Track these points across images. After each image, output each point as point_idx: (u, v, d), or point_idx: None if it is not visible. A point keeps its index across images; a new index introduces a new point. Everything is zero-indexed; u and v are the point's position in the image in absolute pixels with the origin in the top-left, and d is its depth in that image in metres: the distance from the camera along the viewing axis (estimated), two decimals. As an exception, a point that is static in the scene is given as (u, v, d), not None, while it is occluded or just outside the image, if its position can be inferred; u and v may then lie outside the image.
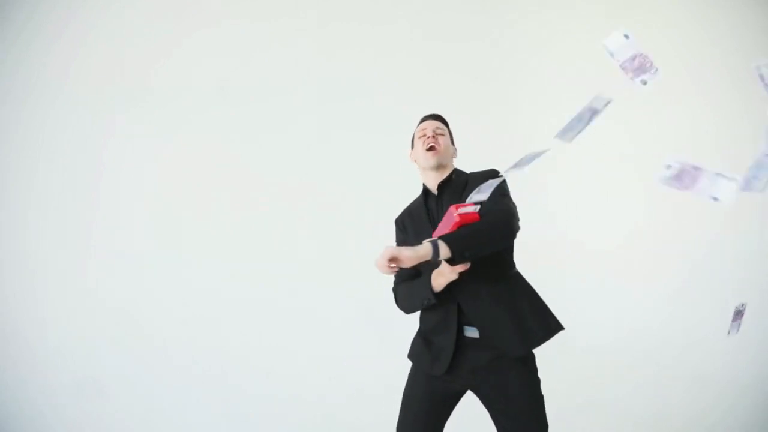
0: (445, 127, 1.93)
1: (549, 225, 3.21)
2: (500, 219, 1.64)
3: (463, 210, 1.55)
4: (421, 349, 1.83)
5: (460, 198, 1.74)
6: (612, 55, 1.14)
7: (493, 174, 1.76)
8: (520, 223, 1.70)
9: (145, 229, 3.51)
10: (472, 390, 1.79)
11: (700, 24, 3.49)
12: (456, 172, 1.88)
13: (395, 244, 1.93)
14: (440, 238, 1.55)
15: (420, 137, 1.87)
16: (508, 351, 1.68)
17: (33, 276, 3.47)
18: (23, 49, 3.57)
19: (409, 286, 1.83)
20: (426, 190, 1.89)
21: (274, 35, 3.58)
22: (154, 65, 3.59)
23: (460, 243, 1.54)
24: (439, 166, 1.83)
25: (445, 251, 1.53)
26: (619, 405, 3.15)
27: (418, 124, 1.95)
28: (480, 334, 1.70)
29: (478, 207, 1.57)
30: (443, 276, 1.67)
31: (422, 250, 1.53)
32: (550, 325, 1.75)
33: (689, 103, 3.39)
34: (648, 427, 3.11)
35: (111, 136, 3.57)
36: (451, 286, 1.69)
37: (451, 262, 1.57)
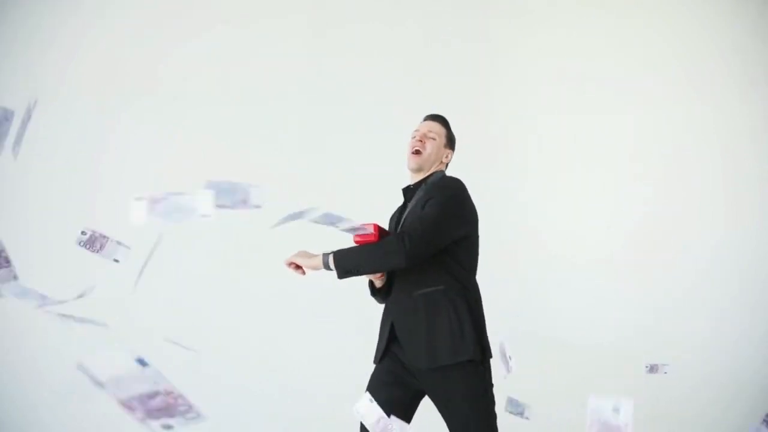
0: (442, 130, 1.92)
1: (548, 226, 3.21)
2: (388, 244, 1.67)
3: (360, 233, 1.66)
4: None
5: (412, 201, 1.84)
6: None
7: (445, 184, 1.82)
8: (455, 233, 1.74)
9: (142, 226, 3.49)
10: (425, 390, 1.80)
11: (687, 21, 3.50)
12: (434, 176, 1.88)
13: None
14: (333, 252, 1.68)
15: (412, 137, 1.90)
16: (413, 361, 1.72)
17: (32, 275, 3.46)
18: (23, 49, 3.56)
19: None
20: (405, 193, 1.93)
21: (270, 37, 3.58)
22: (153, 64, 3.58)
23: (345, 261, 1.66)
24: (418, 170, 1.87)
25: (332, 265, 1.67)
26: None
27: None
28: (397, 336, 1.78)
29: (370, 230, 1.68)
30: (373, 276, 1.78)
31: (315, 260, 1.70)
32: (460, 350, 1.66)
33: (688, 102, 3.40)
34: (646, 426, 3.11)
35: (111, 134, 3.57)
36: (393, 285, 1.80)
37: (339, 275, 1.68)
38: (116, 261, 1.41)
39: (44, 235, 3.48)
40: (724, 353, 3.13)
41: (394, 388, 1.76)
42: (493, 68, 3.51)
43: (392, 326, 1.78)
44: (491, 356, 1.76)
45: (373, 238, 1.67)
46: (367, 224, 1.67)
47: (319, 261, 1.69)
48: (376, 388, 1.75)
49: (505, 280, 3.06)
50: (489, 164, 3.22)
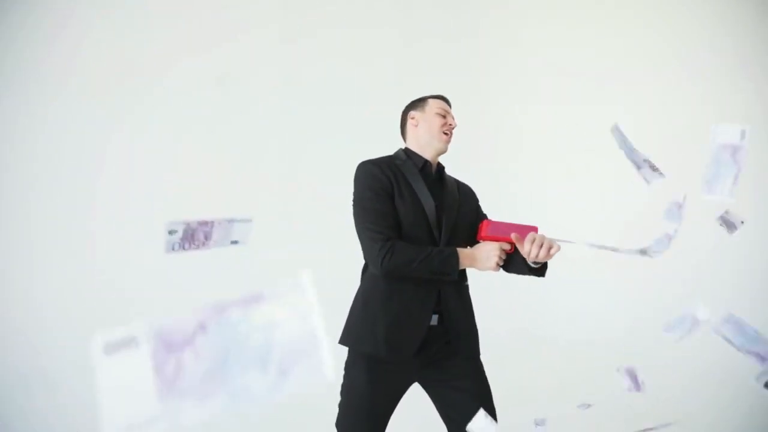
0: None
1: (541, 222, 3.20)
2: None
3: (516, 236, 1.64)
4: (381, 332, 1.67)
5: (458, 195, 1.84)
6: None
7: (473, 193, 1.92)
8: None
9: (135, 223, 3.51)
10: (420, 381, 1.75)
11: (679, 11, 3.49)
12: (445, 171, 1.90)
13: (361, 186, 1.73)
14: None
15: (439, 114, 1.84)
16: (462, 348, 1.73)
17: (32, 273, 3.49)
18: (23, 48, 3.57)
19: (421, 250, 1.65)
20: (425, 162, 1.82)
21: (265, 39, 3.59)
22: (151, 64, 3.59)
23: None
24: (443, 154, 1.86)
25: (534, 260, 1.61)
26: (615, 404, 3.14)
27: (436, 98, 1.89)
28: (444, 323, 1.71)
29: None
30: (480, 262, 1.68)
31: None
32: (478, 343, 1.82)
33: (683, 94, 3.38)
34: (643, 425, 3.10)
35: (112, 133, 3.58)
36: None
37: (529, 270, 1.67)
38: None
39: (45, 235, 3.50)
40: (723, 351, 3.11)
41: (387, 383, 1.71)
42: (482, 63, 3.51)
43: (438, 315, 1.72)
44: None
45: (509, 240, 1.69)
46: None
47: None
48: (374, 386, 1.68)
49: (497, 276, 3.06)
50: (481, 159, 3.22)
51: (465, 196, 1.87)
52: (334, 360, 0.73)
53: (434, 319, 1.70)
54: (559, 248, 1.59)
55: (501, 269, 1.73)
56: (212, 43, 3.60)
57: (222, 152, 3.54)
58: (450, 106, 1.91)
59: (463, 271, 1.75)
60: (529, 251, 1.59)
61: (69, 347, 3.40)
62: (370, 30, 3.59)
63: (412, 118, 1.88)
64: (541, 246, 1.58)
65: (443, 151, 1.84)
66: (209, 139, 3.56)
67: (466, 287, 1.80)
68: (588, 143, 3.22)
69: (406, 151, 1.85)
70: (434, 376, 1.72)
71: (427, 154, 1.83)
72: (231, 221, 1.06)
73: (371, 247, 1.65)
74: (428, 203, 1.72)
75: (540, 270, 1.71)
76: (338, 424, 1.71)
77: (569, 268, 3.32)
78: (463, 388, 1.70)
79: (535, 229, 1.65)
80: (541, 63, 3.40)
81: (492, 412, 1.69)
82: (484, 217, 1.88)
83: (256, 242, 3.73)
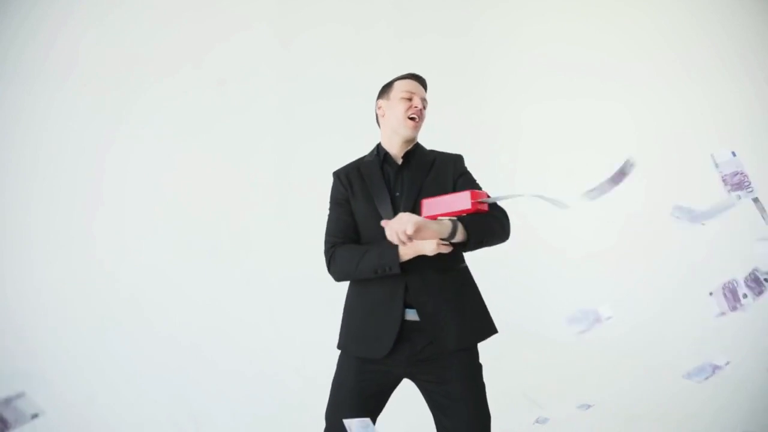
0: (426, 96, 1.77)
1: (540, 220, 3.20)
2: (504, 217, 1.61)
3: (481, 200, 1.45)
4: (356, 332, 1.68)
5: (427, 174, 1.67)
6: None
7: (459, 159, 1.74)
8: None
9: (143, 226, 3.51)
10: (410, 378, 1.68)
11: (679, 7, 3.49)
12: (418, 144, 1.77)
13: (330, 196, 1.76)
14: (461, 220, 1.47)
15: (404, 98, 1.70)
16: (442, 342, 1.60)
17: (32, 273, 3.49)
18: (23, 48, 3.57)
19: (359, 250, 1.63)
20: (385, 154, 1.73)
21: (264, 38, 3.60)
22: (152, 64, 3.60)
23: (479, 231, 1.49)
24: (412, 140, 1.73)
25: (461, 235, 1.46)
26: (614, 403, 3.14)
27: (402, 78, 1.76)
28: (420, 318, 1.61)
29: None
30: (412, 249, 1.55)
31: (444, 228, 1.45)
32: (484, 327, 1.68)
33: (683, 92, 3.38)
34: (643, 425, 3.10)
35: (112, 133, 3.58)
36: (407, 262, 1.59)
37: (459, 246, 1.50)
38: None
39: (45, 235, 3.50)
40: (722, 350, 3.10)
41: (373, 380, 1.66)
42: (480, 60, 3.50)
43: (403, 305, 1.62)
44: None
45: (482, 208, 1.46)
46: (480, 194, 1.47)
47: (447, 228, 1.44)
48: (352, 381, 1.65)
49: (496, 274, 3.05)
50: (479, 157, 3.21)
51: (438, 170, 1.70)
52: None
53: (413, 314, 1.62)
54: (412, 231, 1.37)
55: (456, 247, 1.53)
56: (212, 43, 3.61)
57: (222, 152, 3.54)
58: (421, 82, 1.76)
59: (447, 257, 1.55)
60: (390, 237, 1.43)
61: (69, 347, 3.41)
62: (366, 28, 3.59)
63: (380, 108, 1.77)
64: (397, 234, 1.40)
65: (411, 138, 1.71)
66: (209, 139, 3.56)
67: (458, 273, 1.67)
68: (587, 141, 3.22)
69: (378, 146, 1.77)
70: (422, 376, 1.65)
71: (395, 143, 1.72)
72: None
73: (325, 257, 1.69)
74: (381, 197, 1.65)
75: (463, 245, 1.52)
76: (326, 416, 1.70)
77: (569, 267, 3.32)
78: (450, 391, 1.61)
79: (475, 195, 1.44)
80: (539, 60, 3.40)
81: (481, 415, 1.61)
82: (471, 183, 1.70)
83: (256, 242, 3.74)
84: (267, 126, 3.58)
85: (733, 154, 1.22)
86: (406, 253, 1.57)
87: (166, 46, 3.60)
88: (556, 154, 3.20)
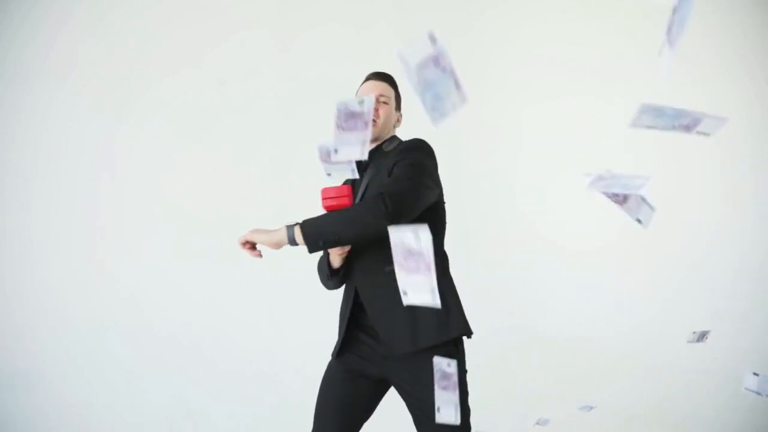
0: (391, 92, 1.74)
1: (540, 217, 3.20)
2: (368, 206, 1.45)
3: (329, 196, 1.45)
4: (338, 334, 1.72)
5: (378, 171, 1.63)
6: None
7: (414, 145, 1.62)
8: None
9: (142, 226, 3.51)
10: (389, 379, 1.65)
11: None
12: (390, 141, 1.72)
13: None
14: (299, 223, 1.46)
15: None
16: (392, 346, 1.53)
17: (32, 273, 3.49)
18: (23, 48, 3.57)
19: (323, 258, 1.70)
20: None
21: (263, 38, 3.59)
22: (152, 65, 3.59)
23: (319, 229, 1.43)
24: (373, 140, 1.68)
25: (300, 238, 1.43)
26: (614, 403, 3.13)
27: (363, 82, 1.77)
28: (370, 318, 1.58)
29: (344, 194, 1.47)
30: (332, 253, 1.57)
31: (276, 235, 1.46)
32: (449, 328, 1.54)
33: (683, 91, 3.37)
34: (643, 425, 3.10)
35: (112, 133, 3.58)
36: (353, 264, 1.59)
37: (311, 247, 1.45)
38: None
39: (45, 234, 3.50)
40: (722, 349, 3.10)
41: (355, 383, 1.64)
42: (480, 61, 3.49)
43: (353, 311, 1.63)
44: (472, 333, 1.60)
45: (348, 202, 1.45)
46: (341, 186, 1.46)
47: (282, 235, 1.44)
48: (335, 385, 1.65)
49: (496, 274, 3.06)
50: (479, 156, 3.21)
51: (386, 164, 1.62)
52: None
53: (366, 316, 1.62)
54: (242, 240, 1.48)
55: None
56: (212, 44, 3.60)
57: (222, 152, 3.54)
58: (381, 78, 1.73)
59: (380, 258, 1.47)
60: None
61: (69, 347, 3.41)
62: (366, 28, 3.58)
63: None
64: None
65: (372, 138, 1.65)
66: (209, 139, 3.56)
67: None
68: (587, 141, 3.21)
69: None
70: (395, 378, 1.62)
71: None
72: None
73: None
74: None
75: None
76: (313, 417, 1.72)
77: (569, 266, 3.31)
78: (409, 393, 1.57)
79: (347, 188, 1.44)
80: (539, 60, 3.39)
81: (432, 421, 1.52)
82: (401, 168, 1.58)
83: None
84: (267, 126, 3.58)
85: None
86: (333, 259, 1.62)
87: (166, 47, 3.60)
88: (556, 154, 3.18)
